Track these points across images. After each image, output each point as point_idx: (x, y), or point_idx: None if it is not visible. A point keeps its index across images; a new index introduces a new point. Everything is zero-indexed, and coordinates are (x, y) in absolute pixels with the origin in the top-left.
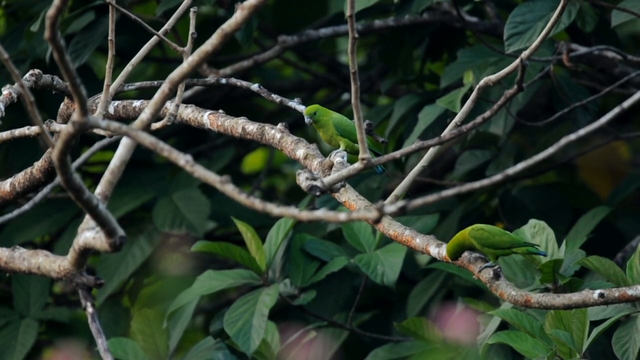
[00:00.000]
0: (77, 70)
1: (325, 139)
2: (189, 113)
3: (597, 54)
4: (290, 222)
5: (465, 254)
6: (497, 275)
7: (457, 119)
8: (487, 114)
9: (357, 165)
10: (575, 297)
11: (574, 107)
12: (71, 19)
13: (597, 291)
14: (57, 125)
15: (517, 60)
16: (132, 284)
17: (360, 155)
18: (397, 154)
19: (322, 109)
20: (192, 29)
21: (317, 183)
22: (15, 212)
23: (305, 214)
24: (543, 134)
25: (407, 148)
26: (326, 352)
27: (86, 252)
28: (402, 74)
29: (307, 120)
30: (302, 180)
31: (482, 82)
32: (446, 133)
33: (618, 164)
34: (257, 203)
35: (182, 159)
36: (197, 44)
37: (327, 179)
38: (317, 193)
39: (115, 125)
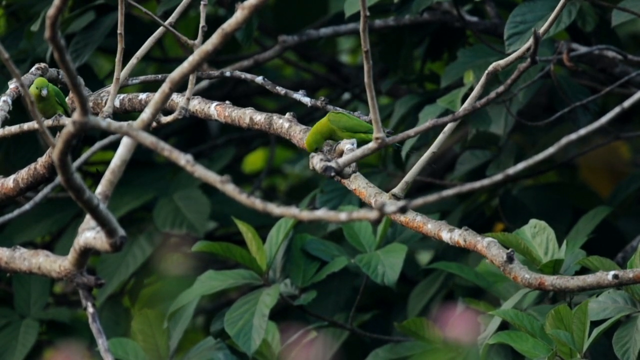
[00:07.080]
0: (77, 70)
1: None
2: (195, 105)
3: (598, 53)
4: (290, 222)
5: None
6: (510, 259)
7: (468, 101)
8: (500, 88)
9: (372, 144)
10: (589, 278)
11: (574, 107)
12: (71, 18)
13: (612, 272)
14: (66, 119)
15: (526, 44)
16: (132, 284)
17: (375, 135)
18: (411, 132)
19: None
20: (202, 22)
21: (332, 164)
22: (16, 212)
23: (305, 214)
24: (543, 134)
25: (421, 127)
26: (326, 352)
27: (87, 252)
28: (403, 73)
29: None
30: (317, 161)
31: (491, 68)
32: (460, 111)
33: (619, 164)
34: (257, 203)
35: (183, 159)
36: None
37: (342, 160)
38: (332, 174)
39: (115, 125)
